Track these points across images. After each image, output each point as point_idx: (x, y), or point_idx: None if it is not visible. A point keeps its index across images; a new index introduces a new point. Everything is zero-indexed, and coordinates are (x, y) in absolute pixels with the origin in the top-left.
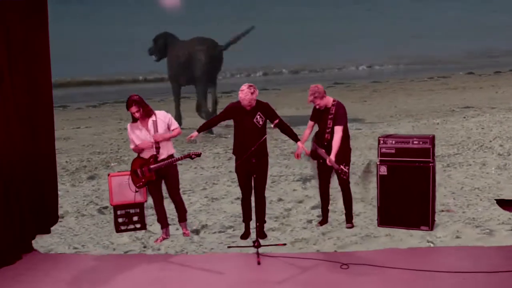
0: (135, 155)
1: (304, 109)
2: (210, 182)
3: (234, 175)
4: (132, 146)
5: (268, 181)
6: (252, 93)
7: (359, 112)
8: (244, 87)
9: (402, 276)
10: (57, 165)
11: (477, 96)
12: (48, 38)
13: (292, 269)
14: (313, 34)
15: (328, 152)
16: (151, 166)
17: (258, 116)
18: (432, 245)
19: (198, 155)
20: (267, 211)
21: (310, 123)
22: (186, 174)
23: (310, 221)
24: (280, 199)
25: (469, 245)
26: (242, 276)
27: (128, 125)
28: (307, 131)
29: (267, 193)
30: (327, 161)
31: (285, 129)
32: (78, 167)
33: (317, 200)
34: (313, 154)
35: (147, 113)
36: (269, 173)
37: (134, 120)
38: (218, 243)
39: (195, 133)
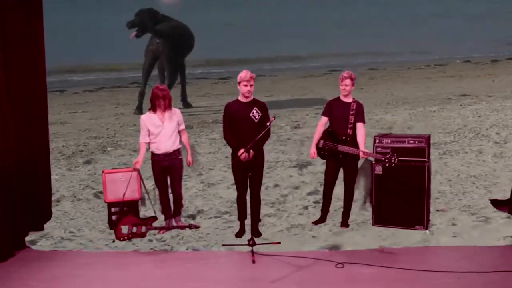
0: (132, 141)
1: (298, 96)
2: (206, 167)
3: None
4: (143, 140)
5: (264, 167)
6: (251, 73)
7: None
8: (244, 70)
9: (397, 275)
10: (54, 149)
11: (474, 84)
12: (43, 25)
13: (287, 268)
14: (308, 21)
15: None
16: (148, 227)
17: (255, 111)
18: (428, 232)
19: (197, 227)
20: (263, 196)
21: (324, 119)
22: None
23: (306, 207)
24: (276, 185)
25: (465, 233)
26: (237, 274)
27: (143, 116)
28: (321, 128)
29: (263, 179)
30: (361, 154)
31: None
32: (74, 151)
33: (313, 186)
34: (325, 153)
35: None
36: (264, 168)
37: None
38: (214, 228)
39: (241, 151)
